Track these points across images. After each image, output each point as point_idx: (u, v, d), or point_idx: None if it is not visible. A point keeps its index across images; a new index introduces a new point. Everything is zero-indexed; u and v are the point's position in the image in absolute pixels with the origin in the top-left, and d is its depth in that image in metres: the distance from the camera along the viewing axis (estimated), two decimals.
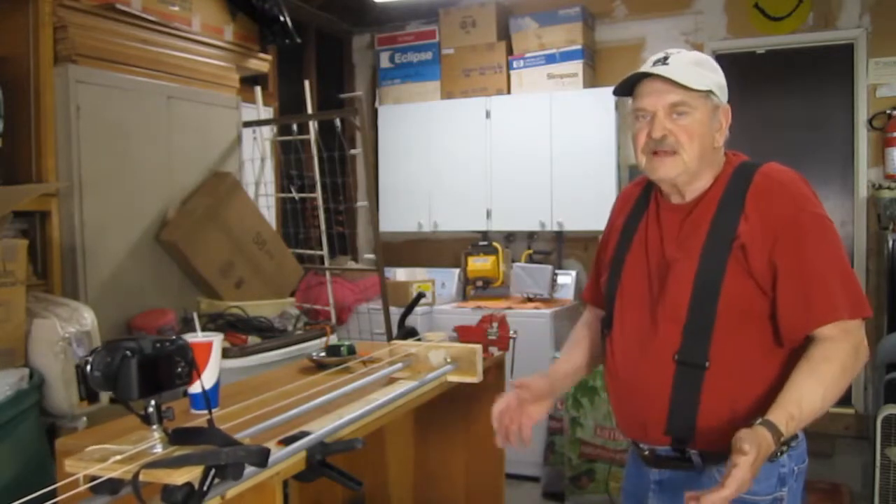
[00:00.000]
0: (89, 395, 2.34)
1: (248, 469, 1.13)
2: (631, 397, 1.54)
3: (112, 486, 1.06)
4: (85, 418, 2.34)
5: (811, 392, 1.33)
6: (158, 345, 1.14)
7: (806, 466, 1.49)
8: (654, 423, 1.48)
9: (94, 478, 1.05)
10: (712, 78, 1.49)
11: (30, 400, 2.13)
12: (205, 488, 1.06)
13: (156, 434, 1.15)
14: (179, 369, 1.17)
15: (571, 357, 1.73)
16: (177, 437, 1.14)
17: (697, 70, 1.48)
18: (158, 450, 1.13)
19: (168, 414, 1.15)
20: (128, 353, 1.11)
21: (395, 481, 2.46)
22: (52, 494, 0.96)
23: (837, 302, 1.38)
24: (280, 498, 1.22)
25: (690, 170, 1.48)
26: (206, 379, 1.56)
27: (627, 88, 1.53)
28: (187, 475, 1.05)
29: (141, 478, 1.03)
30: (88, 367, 1.12)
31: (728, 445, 1.27)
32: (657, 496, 1.54)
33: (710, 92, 1.47)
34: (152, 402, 1.15)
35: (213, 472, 1.07)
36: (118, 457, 1.08)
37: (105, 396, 2.41)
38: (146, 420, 1.15)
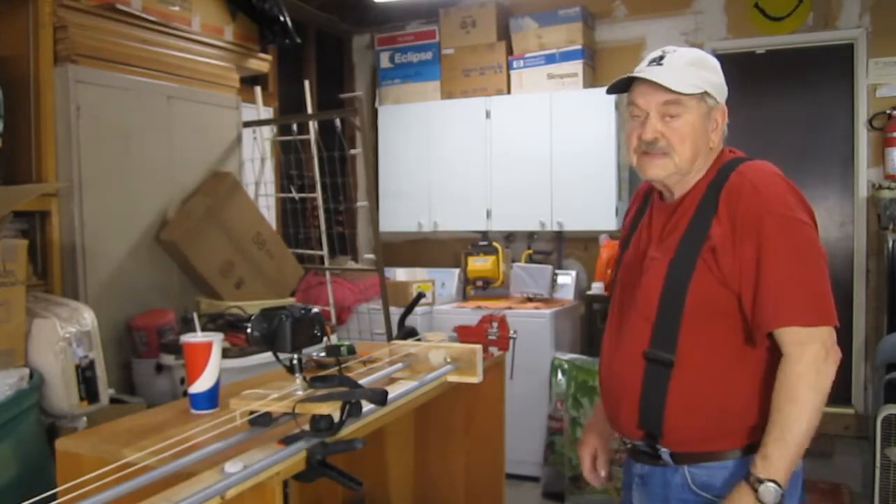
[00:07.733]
0: (89, 395, 2.34)
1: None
2: (610, 391, 1.58)
3: (266, 419, 1.36)
4: (85, 418, 2.34)
5: (793, 436, 1.34)
6: (304, 311, 1.47)
7: (800, 471, 1.47)
8: (628, 418, 1.51)
9: (250, 413, 1.34)
10: (708, 78, 1.48)
11: (30, 400, 2.13)
12: (343, 419, 1.35)
13: (297, 380, 1.44)
14: (316, 331, 1.49)
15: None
16: (314, 382, 1.43)
17: (692, 70, 1.47)
18: (300, 392, 1.38)
19: (308, 365, 1.43)
20: (283, 317, 1.43)
21: (395, 481, 2.46)
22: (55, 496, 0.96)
23: (787, 308, 1.36)
24: (280, 498, 1.22)
25: (682, 171, 1.49)
26: (207, 379, 1.58)
27: (621, 86, 1.53)
28: (329, 409, 1.33)
29: (294, 411, 1.32)
30: (248, 329, 1.45)
31: (696, 445, 1.40)
32: (639, 489, 1.57)
33: (705, 93, 1.46)
34: (296, 356, 1.46)
35: (347, 407, 1.35)
36: (275, 394, 1.36)
37: (105, 396, 2.41)
38: (291, 370, 1.46)
